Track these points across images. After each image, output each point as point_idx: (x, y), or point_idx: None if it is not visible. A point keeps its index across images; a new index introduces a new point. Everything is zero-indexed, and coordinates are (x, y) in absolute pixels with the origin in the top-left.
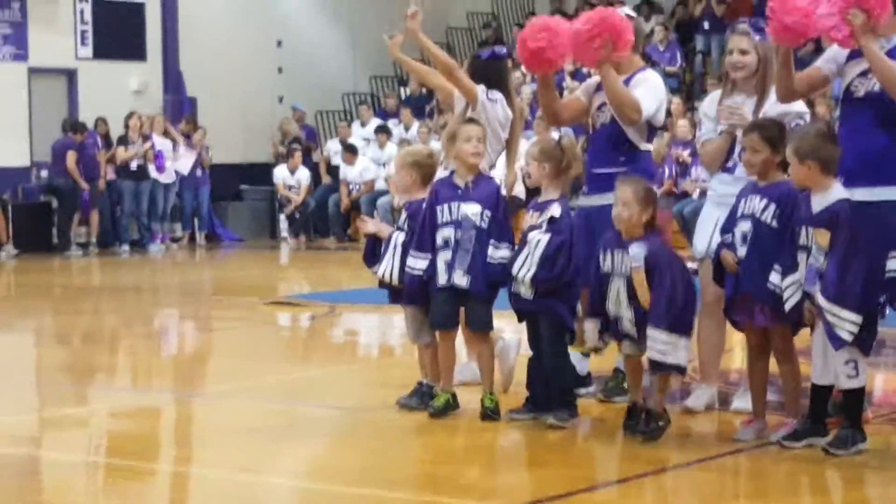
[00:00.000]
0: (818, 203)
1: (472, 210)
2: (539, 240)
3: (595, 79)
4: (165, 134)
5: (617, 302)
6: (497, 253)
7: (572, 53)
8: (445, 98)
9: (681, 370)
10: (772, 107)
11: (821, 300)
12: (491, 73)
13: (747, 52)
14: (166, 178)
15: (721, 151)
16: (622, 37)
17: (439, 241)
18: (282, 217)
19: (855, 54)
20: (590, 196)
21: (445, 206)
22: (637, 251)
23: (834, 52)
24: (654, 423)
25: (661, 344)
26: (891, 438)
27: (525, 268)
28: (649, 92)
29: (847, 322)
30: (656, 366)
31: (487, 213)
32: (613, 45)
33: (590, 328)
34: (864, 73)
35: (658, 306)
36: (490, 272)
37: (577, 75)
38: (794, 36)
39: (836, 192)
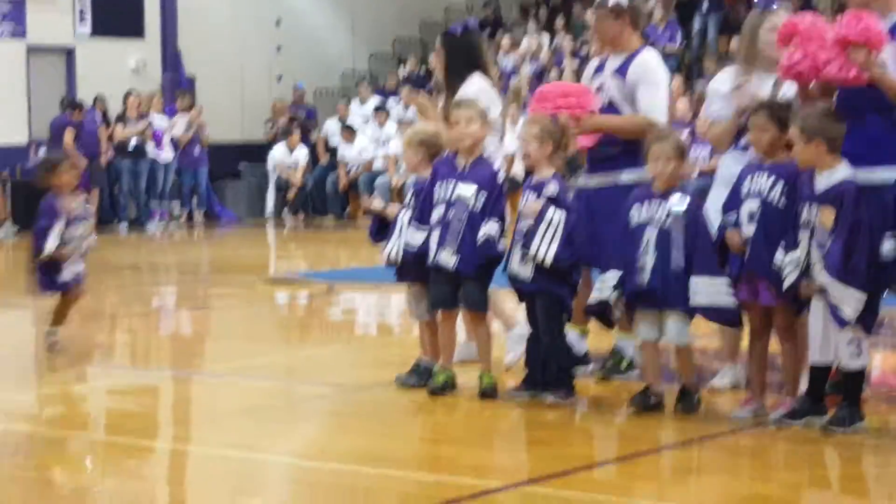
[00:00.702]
0: (823, 182)
1: (467, 191)
2: (555, 218)
3: (594, 62)
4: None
5: (647, 248)
6: (483, 228)
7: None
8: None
9: (732, 314)
10: (790, 86)
11: (825, 278)
12: (469, 48)
13: None
14: (165, 156)
15: (730, 132)
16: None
17: (434, 218)
18: (269, 196)
19: None
20: (591, 176)
21: (442, 183)
22: (680, 200)
23: None
24: (691, 398)
25: (705, 287)
26: (888, 417)
27: (544, 246)
28: (652, 90)
29: (853, 300)
30: (704, 311)
31: (483, 194)
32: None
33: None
34: None
35: (698, 255)
36: (479, 251)
37: (577, 54)
38: (804, 79)
39: (843, 171)
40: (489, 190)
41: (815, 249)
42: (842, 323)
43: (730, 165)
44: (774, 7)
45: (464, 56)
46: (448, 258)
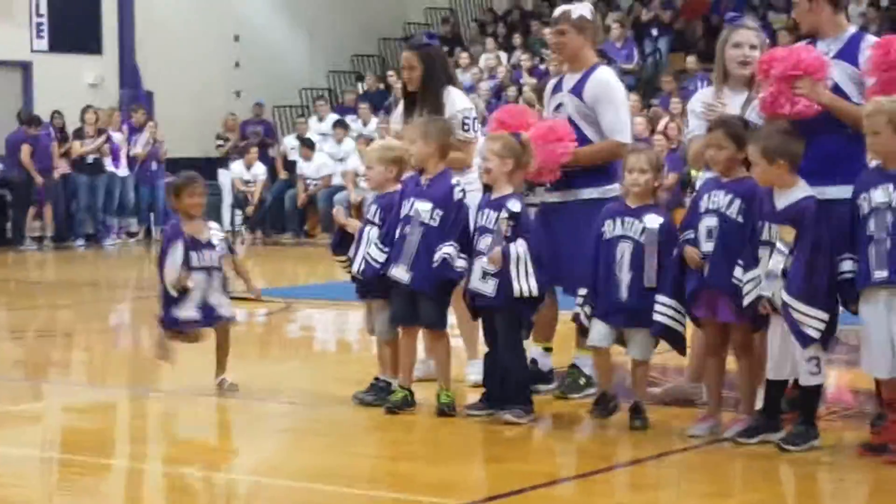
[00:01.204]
0: (783, 200)
1: (423, 207)
2: (521, 252)
3: (552, 80)
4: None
5: (621, 264)
6: (441, 249)
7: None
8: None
9: (682, 340)
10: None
11: (786, 297)
12: (443, 60)
13: (756, 48)
14: (122, 171)
15: (703, 151)
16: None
17: (398, 234)
18: (224, 211)
19: None
20: (552, 193)
21: (406, 201)
22: (654, 219)
23: None
24: (643, 414)
25: (667, 309)
26: (843, 435)
27: (524, 282)
28: (613, 109)
29: (815, 320)
30: (661, 329)
31: (438, 211)
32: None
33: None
34: None
35: (667, 276)
36: (436, 272)
37: (535, 72)
38: (773, 115)
39: (802, 188)
40: (444, 207)
41: (774, 268)
42: (805, 342)
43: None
44: (739, 23)
45: (439, 68)
46: (402, 273)
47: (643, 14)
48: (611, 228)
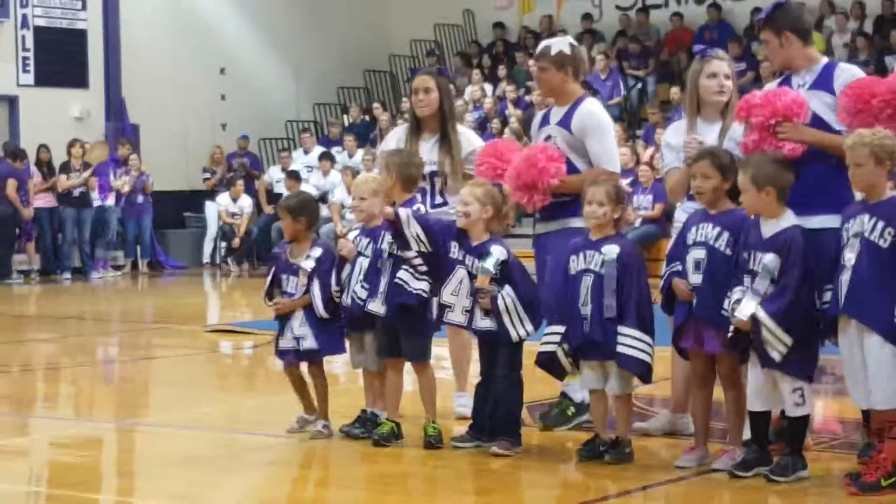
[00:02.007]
0: (769, 228)
1: (388, 239)
2: (508, 302)
3: (539, 114)
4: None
5: (586, 299)
6: (398, 273)
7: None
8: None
9: (648, 370)
10: (735, 132)
11: (760, 313)
12: (453, 95)
13: (729, 77)
14: (109, 205)
15: (684, 182)
16: None
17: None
18: (205, 244)
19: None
20: (543, 223)
21: (382, 234)
22: (610, 249)
23: None
24: (623, 448)
25: (631, 340)
26: (830, 464)
27: (520, 328)
28: (601, 139)
29: (780, 343)
30: (625, 361)
31: (400, 241)
32: None
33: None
34: None
35: (629, 305)
36: (390, 296)
37: (520, 103)
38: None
39: (789, 218)
40: (400, 238)
41: (752, 294)
42: (765, 362)
43: (680, 217)
44: (711, 54)
45: (451, 99)
46: (378, 307)
47: (628, 46)
48: (575, 264)
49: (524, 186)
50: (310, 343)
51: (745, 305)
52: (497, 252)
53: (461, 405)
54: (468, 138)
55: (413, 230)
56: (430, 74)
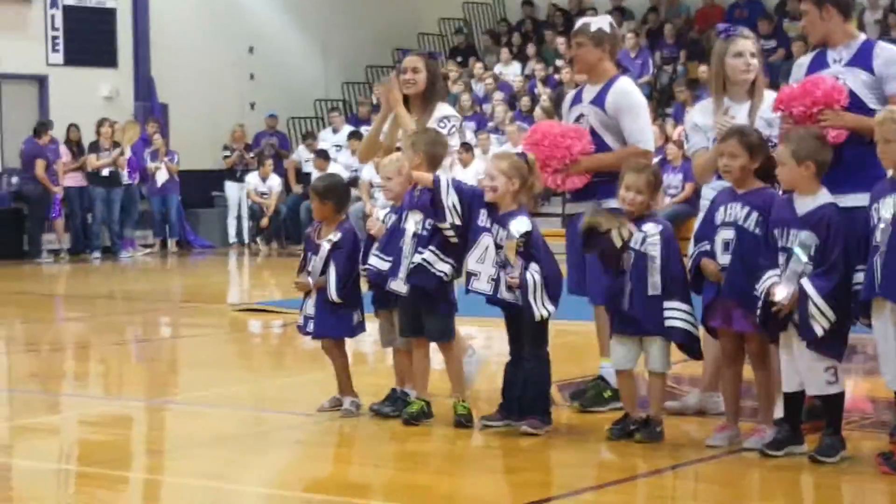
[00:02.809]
0: (804, 205)
1: (415, 218)
2: (536, 279)
3: (571, 92)
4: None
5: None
6: (419, 254)
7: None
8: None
9: (698, 343)
10: (765, 112)
11: (810, 289)
12: (441, 76)
13: (755, 55)
14: (137, 178)
15: (712, 163)
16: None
17: (397, 247)
18: (229, 222)
19: (815, 69)
20: (577, 203)
21: (403, 213)
22: (652, 227)
23: (796, 78)
24: (654, 428)
25: (679, 313)
26: (860, 444)
27: (541, 306)
28: (636, 118)
29: (824, 318)
30: (679, 334)
31: (429, 221)
32: None
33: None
34: None
35: (674, 282)
36: (410, 277)
37: (549, 81)
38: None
39: (824, 195)
40: (432, 216)
41: (788, 272)
42: (808, 335)
43: (709, 196)
44: (735, 33)
45: (440, 80)
46: (400, 286)
47: (657, 23)
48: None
49: (550, 166)
50: (314, 325)
51: (784, 287)
52: (521, 222)
53: None
54: (440, 108)
55: (450, 200)
56: (420, 55)
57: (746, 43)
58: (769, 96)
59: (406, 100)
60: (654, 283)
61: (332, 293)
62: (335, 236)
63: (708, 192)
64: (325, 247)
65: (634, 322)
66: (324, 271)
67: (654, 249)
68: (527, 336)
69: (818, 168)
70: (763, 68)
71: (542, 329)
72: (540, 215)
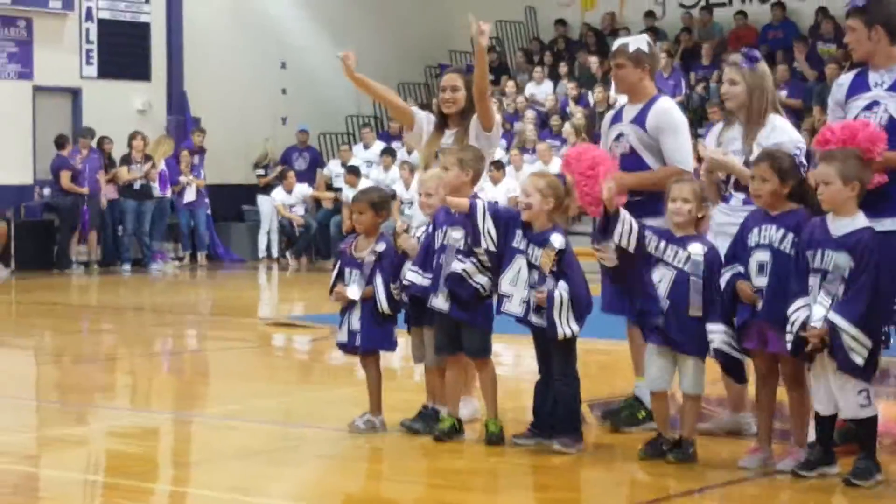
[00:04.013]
0: (841, 227)
1: (456, 235)
2: (564, 297)
3: (611, 112)
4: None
5: (663, 294)
6: (457, 264)
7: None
8: (406, 120)
9: (741, 367)
10: (766, 136)
11: (838, 319)
12: None
13: (736, 83)
14: (167, 191)
15: (709, 187)
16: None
17: (435, 264)
18: (260, 236)
19: (855, 91)
20: None
21: (439, 230)
22: (697, 247)
23: (835, 98)
24: (687, 448)
25: (723, 335)
26: (890, 468)
27: (566, 326)
28: (676, 138)
29: (862, 346)
30: (720, 355)
31: (470, 235)
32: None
33: None
34: (868, 108)
35: (715, 303)
36: (447, 285)
37: (581, 101)
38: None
39: (862, 218)
40: (473, 231)
41: (825, 294)
42: (850, 368)
43: (715, 217)
44: (731, 58)
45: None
46: (442, 303)
47: (690, 43)
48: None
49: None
50: (361, 338)
51: (818, 310)
52: (557, 239)
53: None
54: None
55: (487, 225)
56: (459, 73)
57: (728, 71)
58: (774, 121)
59: (445, 117)
60: (695, 303)
61: (384, 304)
62: (380, 247)
63: (718, 216)
64: (371, 258)
65: (667, 337)
66: (368, 283)
67: (698, 270)
68: (555, 355)
69: (861, 189)
70: (760, 95)
71: (570, 348)
72: (570, 233)
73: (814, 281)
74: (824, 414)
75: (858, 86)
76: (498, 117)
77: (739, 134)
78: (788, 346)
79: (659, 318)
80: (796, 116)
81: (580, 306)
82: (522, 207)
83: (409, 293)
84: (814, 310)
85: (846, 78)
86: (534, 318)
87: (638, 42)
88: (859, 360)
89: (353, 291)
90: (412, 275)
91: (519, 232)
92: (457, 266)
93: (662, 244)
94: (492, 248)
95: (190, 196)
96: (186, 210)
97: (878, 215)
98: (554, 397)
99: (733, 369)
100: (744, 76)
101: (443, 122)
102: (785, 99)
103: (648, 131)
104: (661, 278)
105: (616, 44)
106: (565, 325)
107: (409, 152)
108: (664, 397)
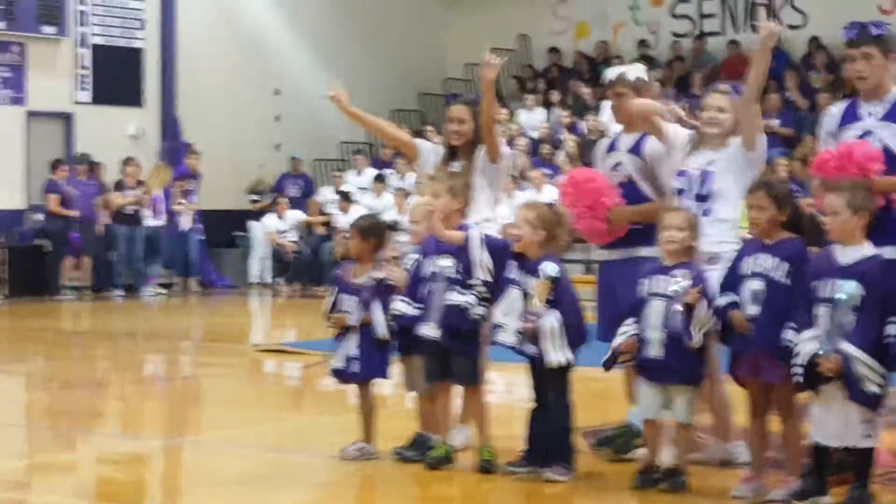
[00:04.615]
0: (848, 256)
1: (445, 263)
2: (555, 325)
3: (605, 140)
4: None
5: (654, 324)
6: (454, 296)
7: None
8: (408, 151)
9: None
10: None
11: (852, 350)
12: None
13: (724, 110)
14: (159, 220)
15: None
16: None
17: (425, 293)
18: (252, 262)
19: (847, 121)
20: (611, 250)
21: (428, 259)
22: (685, 275)
23: (827, 128)
24: (679, 478)
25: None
26: (883, 498)
27: (558, 354)
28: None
29: (878, 375)
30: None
31: (461, 265)
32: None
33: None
34: (861, 137)
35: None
36: (445, 319)
37: (575, 129)
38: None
39: (869, 247)
40: (465, 261)
41: (835, 325)
42: (866, 399)
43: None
44: (710, 88)
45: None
46: (431, 331)
47: (683, 72)
48: (645, 287)
49: (584, 213)
50: (359, 365)
51: (828, 342)
52: (550, 267)
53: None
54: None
55: (482, 256)
56: (466, 104)
57: (718, 98)
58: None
59: (453, 149)
60: (690, 333)
61: (382, 331)
62: (378, 274)
63: None
64: (370, 284)
65: (664, 368)
66: (366, 309)
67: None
68: (549, 384)
69: (871, 218)
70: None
71: (564, 377)
72: (567, 261)
73: (822, 311)
74: (824, 444)
75: (850, 116)
76: (506, 149)
77: (706, 160)
78: (797, 377)
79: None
80: (788, 145)
81: (574, 336)
82: (512, 238)
83: (399, 324)
84: (825, 341)
85: (837, 108)
86: (528, 349)
87: (637, 71)
88: (875, 389)
89: (352, 317)
90: (401, 305)
91: (513, 263)
92: (457, 298)
93: (653, 279)
94: (487, 279)
95: (186, 224)
96: (178, 236)
97: (876, 244)
98: (547, 426)
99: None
100: (733, 105)
101: (451, 154)
102: (777, 128)
103: (646, 159)
104: (654, 310)
105: (612, 73)
106: (558, 353)
107: (402, 178)
108: (656, 425)
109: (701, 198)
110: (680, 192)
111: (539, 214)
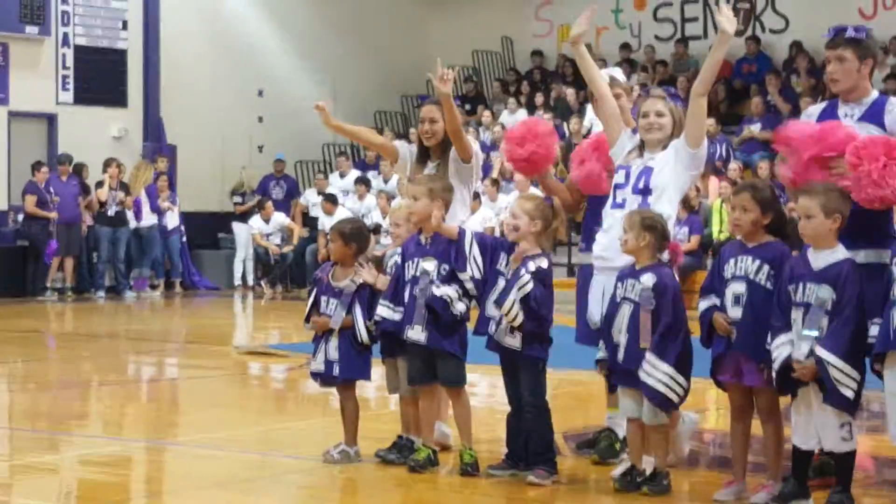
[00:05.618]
0: (821, 259)
1: (428, 266)
2: (525, 289)
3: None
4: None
5: (622, 327)
6: (439, 289)
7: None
8: (390, 155)
9: (669, 404)
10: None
11: (825, 354)
12: None
13: (663, 115)
14: (144, 222)
15: None
16: None
17: (407, 296)
18: (236, 264)
19: (826, 119)
20: (586, 253)
21: (409, 262)
22: (647, 278)
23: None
24: (661, 480)
25: (653, 370)
26: (863, 501)
27: (516, 307)
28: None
29: (851, 379)
30: (647, 391)
31: (445, 266)
32: None
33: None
34: None
35: (660, 336)
36: (428, 305)
37: (558, 131)
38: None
39: (842, 250)
40: (449, 262)
41: (809, 329)
42: (840, 402)
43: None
44: (645, 92)
45: None
46: (418, 334)
47: (666, 76)
48: (619, 291)
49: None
50: (339, 368)
51: (803, 346)
52: (539, 261)
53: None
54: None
55: (473, 252)
56: (437, 104)
57: (655, 102)
58: None
59: (426, 149)
60: (644, 336)
61: (363, 334)
62: (359, 278)
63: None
64: (352, 287)
65: (629, 374)
66: (347, 312)
67: (647, 301)
68: (524, 385)
69: (843, 221)
70: (678, 132)
71: (539, 378)
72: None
73: (797, 315)
74: (804, 448)
75: (828, 117)
76: (476, 147)
77: (647, 156)
78: (772, 381)
79: None
80: (770, 149)
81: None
82: (510, 229)
83: (381, 328)
84: (800, 345)
85: (815, 109)
86: (507, 340)
87: (616, 73)
88: (849, 394)
89: (333, 321)
90: (383, 309)
91: (504, 255)
92: (438, 291)
93: (624, 283)
94: (477, 276)
95: (172, 222)
96: (160, 237)
97: (854, 247)
98: (526, 429)
99: (661, 405)
100: (671, 109)
101: (424, 154)
102: (758, 132)
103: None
104: (623, 314)
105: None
106: (538, 349)
107: (386, 181)
108: (638, 426)
109: (639, 191)
110: (618, 186)
111: (537, 206)
